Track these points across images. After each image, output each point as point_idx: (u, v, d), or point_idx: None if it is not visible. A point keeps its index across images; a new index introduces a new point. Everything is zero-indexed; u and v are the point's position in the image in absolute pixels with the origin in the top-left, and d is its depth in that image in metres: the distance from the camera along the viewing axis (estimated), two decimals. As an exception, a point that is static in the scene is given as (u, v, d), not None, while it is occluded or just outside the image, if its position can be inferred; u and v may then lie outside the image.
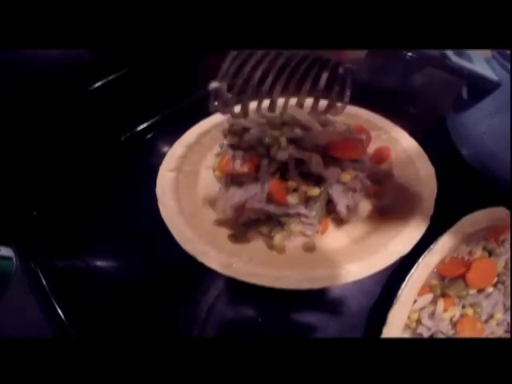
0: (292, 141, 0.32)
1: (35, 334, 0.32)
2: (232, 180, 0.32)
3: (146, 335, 0.32)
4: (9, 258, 0.35)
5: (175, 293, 0.34)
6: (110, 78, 0.39)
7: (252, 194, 0.32)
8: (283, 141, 0.32)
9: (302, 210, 0.33)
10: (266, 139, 0.31)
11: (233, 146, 0.33)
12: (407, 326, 0.33)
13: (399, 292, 0.32)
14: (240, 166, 0.32)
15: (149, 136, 0.44)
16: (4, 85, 0.35)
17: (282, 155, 0.31)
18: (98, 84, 0.39)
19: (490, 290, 0.34)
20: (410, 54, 0.36)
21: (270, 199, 0.33)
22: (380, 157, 0.39)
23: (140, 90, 0.41)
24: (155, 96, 0.43)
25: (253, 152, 0.32)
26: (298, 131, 0.32)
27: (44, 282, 0.35)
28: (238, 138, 0.34)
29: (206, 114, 0.41)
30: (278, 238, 0.33)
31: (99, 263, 0.37)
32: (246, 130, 0.34)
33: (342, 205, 0.34)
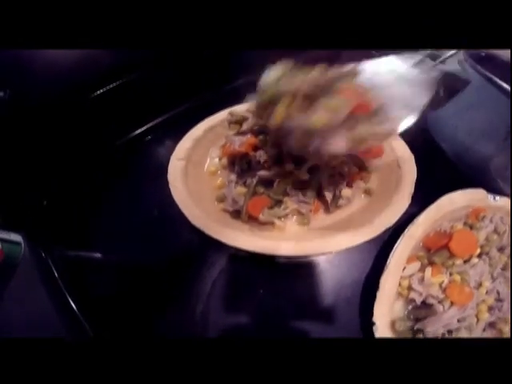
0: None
1: (41, 318, 0.33)
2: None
3: (156, 318, 0.34)
4: (17, 243, 0.35)
5: (182, 270, 0.37)
6: (115, 84, 0.46)
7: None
8: None
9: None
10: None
11: (234, 134, 0.39)
12: (400, 294, 0.34)
13: (388, 261, 0.35)
14: (239, 147, 0.36)
15: (155, 134, 0.50)
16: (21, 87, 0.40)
17: None
18: (104, 89, 0.45)
19: (476, 260, 0.36)
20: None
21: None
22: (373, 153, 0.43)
23: (143, 94, 0.47)
24: (159, 100, 0.49)
25: (250, 136, 0.37)
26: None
27: (53, 268, 0.36)
28: (239, 126, 0.40)
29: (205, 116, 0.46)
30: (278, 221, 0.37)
31: (107, 251, 0.39)
32: (245, 119, 0.39)
33: (327, 189, 0.38)
